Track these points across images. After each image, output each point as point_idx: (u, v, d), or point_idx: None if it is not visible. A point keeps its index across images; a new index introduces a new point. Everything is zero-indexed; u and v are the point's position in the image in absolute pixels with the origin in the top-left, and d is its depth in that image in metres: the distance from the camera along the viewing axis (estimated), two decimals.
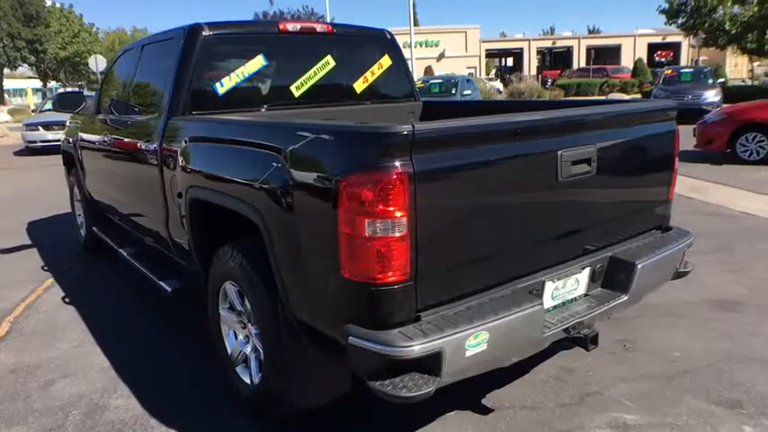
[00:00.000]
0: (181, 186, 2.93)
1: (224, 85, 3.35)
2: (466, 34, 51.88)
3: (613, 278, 2.53)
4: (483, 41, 52.82)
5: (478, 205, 2.00)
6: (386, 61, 4.07)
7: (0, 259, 5.58)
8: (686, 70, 18.64)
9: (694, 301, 3.85)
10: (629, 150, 2.55)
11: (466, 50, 51.20)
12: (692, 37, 27.18)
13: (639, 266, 2.48)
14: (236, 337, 2.82)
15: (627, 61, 48.96)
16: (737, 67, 49.71)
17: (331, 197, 1.86)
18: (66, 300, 4.39)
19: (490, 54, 57.51)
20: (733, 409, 2.65)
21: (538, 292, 2.24)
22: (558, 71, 47.19)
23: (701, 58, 48.19)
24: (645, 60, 41.51)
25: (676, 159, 2.84)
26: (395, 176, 1.77)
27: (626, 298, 2.49)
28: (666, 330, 3.44)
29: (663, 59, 50.73)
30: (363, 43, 4.04)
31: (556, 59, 56.95)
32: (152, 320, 3.97)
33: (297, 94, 3.65)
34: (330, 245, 1.89)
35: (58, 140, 6.66)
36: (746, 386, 2.82)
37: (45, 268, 5.20)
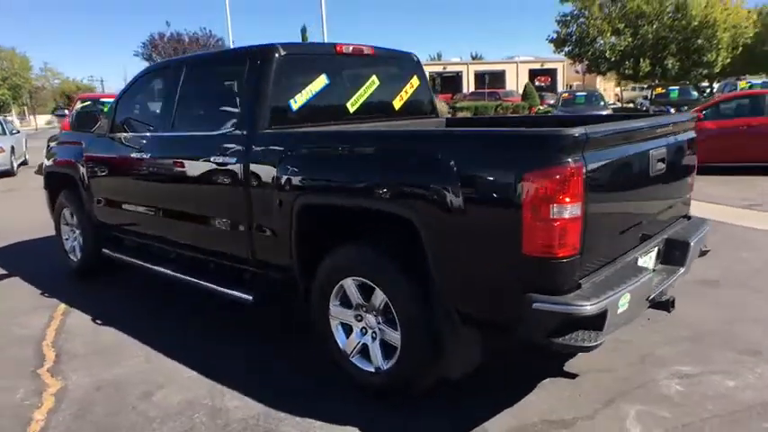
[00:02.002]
0: (284, 196, 3.13)
1: (297, 102, 3.60)
2: None
3: (671, 255, 3.12)
4: None
5: (614, 194, 2.50)
6: (415, 81, 4.49)
7: None
8: (580, 94, 20.73)
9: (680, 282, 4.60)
10: (678, 152, 3.17)
11: None
12: (577, 63, 30.15)
13: (692, 244, 3.10)
14: (351, 330, 3.07)
15: (510, 85, 52.98)
16: (606, 91, 55.43)
17: (515, 189, 2.25)
18: (98, 321, 4.30)
19: None
20: (755, 356, 3.33)
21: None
22: (450, 95, 49.86)
23: (574, 84, 53.19)
24: (524, 84, 45.05)
25: (696, 159, 3.52)
26: (573, 170, 2.21)
27: (683, 270, 3.08)
28: None
29: (542, 84, 55.17)
30: (398, 65, 4.43)
31: (446, 84, 60.00)
32: (203, 327, 4.09)
33: (352, 110, 3.96)
34: (511, 229, 2.27)
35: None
36: (757, 339, 3.54)
37: (46, 295, 4.98)
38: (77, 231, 5.37)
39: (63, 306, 4.67)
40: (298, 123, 3.57)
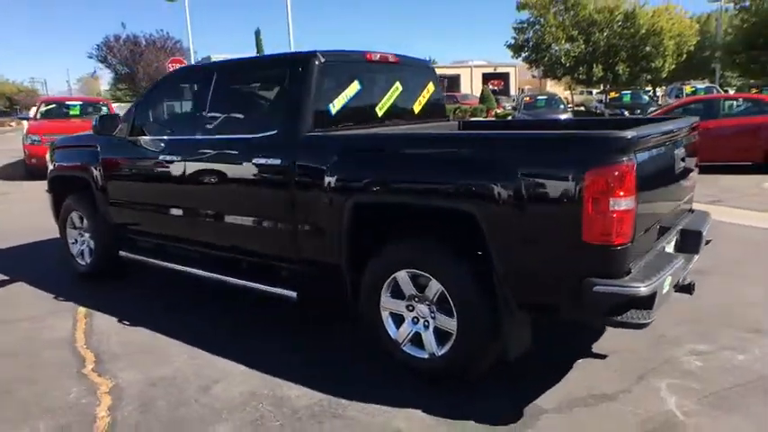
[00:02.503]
0: (335, 195, 3.31)
1: (335, 106, 3.78)
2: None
3: (686, 243, 3.47)
4: None
5: (652, 189, 2.80)
6: (431, 87, 4.74)
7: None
8: (541, 97, 21.54)
9: None
10: (691, 152, 3.53)
11: None
12: (534, 68, 31.19)
13: (704, 233, 3.46)
14: (401, 320, 3.27)
15: (465, 89, 53.99)
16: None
17: (577, 185, 2.52)
18: (125, 322, 4.34)
19: None
20: (757, 333, 3.72)
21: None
22: None
23: (525, 88, 54.74)
24: (481, 88, 46.11)
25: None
26: (627, 167, 2.49)
27: (697, 257, 3.44)
28: None
29: (495, 88, 56.48)
30: (416, 71, 4.66)
31: None
32: (232, 326, 4.21)
33: (380, 114, 4.17)
34: (572, 220, 2.54)
35: None
36: (755, 319, 3.94)
37: (60, 299, 4.94)
38: (86, 235, 5.35)
39: (82, 309, 4.66)
40: (335, 126, 3.76)
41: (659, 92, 38.21)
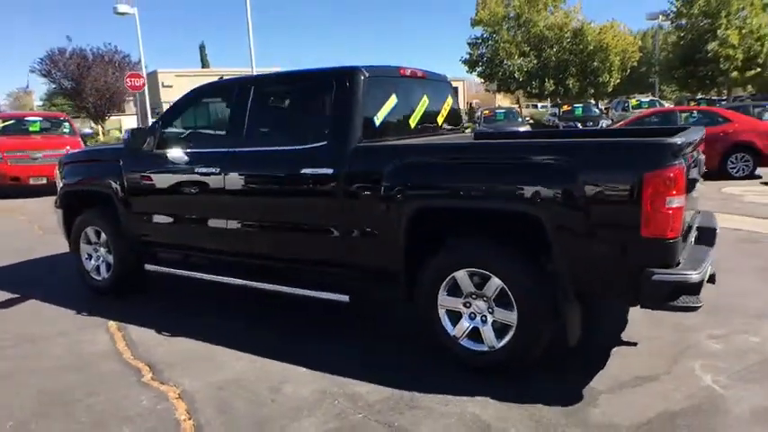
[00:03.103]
0: (393, 202, 3.53)
1: (378, 118, 4.02)
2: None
3: (703, 238, 3.86)
4: None
5: (689, 191, 3.16)
6: (450, 100, 5.04)
7: (15, 313, 5.08)
8: (500, 111, 22.38)
9: None
10: (701, 157, 3.96)
11: None
12: (488, 83, 32.24)
13: (718, 230, 3.88)
14: (457, 317, 3.51)
15: None
16: None
17: (636, 186, 2.85)
18: (165, 333, 4.39)
19: None
20: (761, 319, 4.16)
21: None
22: None
23: (473, 101, 56.20)
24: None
25: None
26: (679, 170, 2.84)
27: (714, 249, 3.84)
28: None
29: None
30: (438, 86, 4.95)
31: None
32: (273, 329, 4.33)
33: (412, 125, 4.43)
34: (632, 217, 2.86)
35: None
36: (756, 306, 4.40)
37: (83, 314, 4.92)
38: (103, 250, 5.34)
39: (112, 323, 4.67)
40: (379, 137, 3.99)
41: (601, 105, 40.22)
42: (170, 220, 4.76)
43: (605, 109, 28.94)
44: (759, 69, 27.85)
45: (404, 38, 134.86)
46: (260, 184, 4.17)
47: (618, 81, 30.35)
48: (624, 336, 3.97)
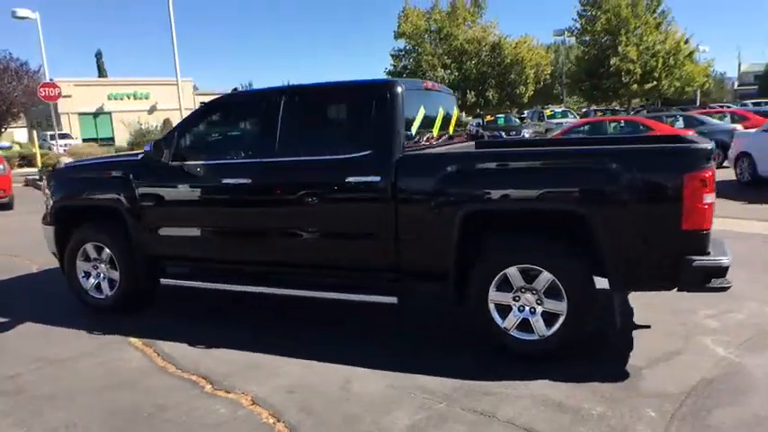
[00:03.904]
0: (444, 206, 3.79)
1: (413, 128, 4.29)
2: (178, 87, 51.59)
3: None
4: (198, 94, 53.04)
5: None
6: (456, 111, 5.39)
7: (21, 336, 4.81)
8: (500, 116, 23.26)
9: None
10: None
11: (180, 103, 50.99)
12: None
13: None
14: (506, 310, 3.82)
15: None
16: None
17: (678, 185, 3.30)
18: (200, 346, 4.34)
19: None
20: (741, 300, 4.76)
21: None
22: None
23: None
24: None
25: None
26: (712, 171, 3.34)
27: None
28: None
29: None
30: (447, 98, 5.27)
31: None
32: (307, 332, 4.45)
33: (435, 134, 4.72)
34: (673, 213, 3.31)
35: None
36: (733, 291, 5.05)
37: (96, 332, 4.74)
38: (103, 266, 5.17)
39: (134, 339, 4.56)
40: (412, 146, 4.24)
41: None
42: (192, 232, 4.72)
43: (521, 119, 30.77)
44: (655, 83, 30.77)
45: (324, 49, 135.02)
46: (299, 192, 4.26)
47: (532, 92, 32.37)
48: (636, 320, 4.45)
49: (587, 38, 32.69)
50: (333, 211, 4.22)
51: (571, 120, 25.55)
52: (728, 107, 27.38)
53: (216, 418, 3.28)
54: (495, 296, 3.83)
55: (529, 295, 3.77)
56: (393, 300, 4.05)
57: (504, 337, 3.84)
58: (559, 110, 30.60)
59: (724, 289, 3.41)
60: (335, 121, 4.50)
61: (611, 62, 30.24)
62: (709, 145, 3.41)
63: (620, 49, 30.06)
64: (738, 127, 13.99)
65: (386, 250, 4.05)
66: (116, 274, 5.11)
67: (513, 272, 3.76)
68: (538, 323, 3.76)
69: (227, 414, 3.32)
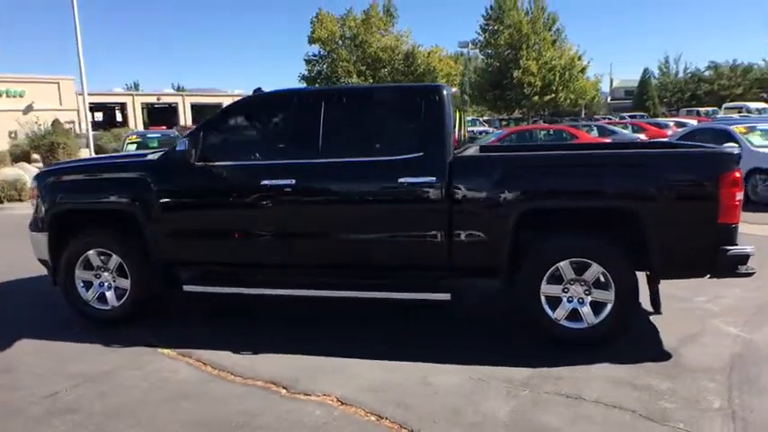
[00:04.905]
0: (501, 205, 4.02)
1: (455, 130, 4.47)
2: (59, 85, 47.72)
3: None
4: (81, 94, 49.29)
5: None
6: (464, 116, 5.65)
7: (43, 352, 4.38)
8: None
9: None
10: None
11: (60, 103, 47.11)
12: None
13: None
14: (556, 302, 4.11)
15: None
16: None
17: (715, 185, 3.77)
18: (245, 352, 4.22)
19: (95, 107, 53.80)
20: (728, 286, 5.41)
21: None
22: (165, 126, 47.76)
23: None
24: None
25: None
26: (740, 171, 3.85)
27: None
28: None
29: None
30: (460, 102, 5.51)
31: (159, 115, 56.45)
32: (373, 330, 4.46)
33: (457, 135, 4.94)
34: (711, 209, 3.78)
35: None
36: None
37: (115, 346, 4.43)
38: (107, 275, 4.83)
39: (167, 350, 4.33)
40: (457, 148, 4.44)
41: None
42: (227, 235, 4.55)
43: None
44: (553, 95, 33.26)
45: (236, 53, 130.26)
46: (349, 193, 4.29)
47: None
48: (646, 311, 4.93)
49: (491, 50, 34.63)
50: (383, 212, 4.29)
51: (479, 128, 26.99)
52: (624, 118, 30.17)
53: (314, 419, 3.25)
54: (546, 289, 4.10)
55: (577, 287, 4.08)
56: (446, 296, 4.19)
57: (555, 327, 4.12)
58: (470, 118, 32.14)
59: (750, 274, 3.93)
60: (381, 122, 4.55)
61: (514, 75, 32.27)
62: (737, 150, 3.93)
63: (521, 62, 32.15)
64: (642, 137, 15.57)
65: (438, 248, 4.19)
66: (125, 283, 4.79)
67: (564, 265, 4.05)
68: (587, 312, 4.08)
69: (323, 415, 3.30)
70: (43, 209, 4.92)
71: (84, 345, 4.48)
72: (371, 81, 30.46)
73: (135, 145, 16.35)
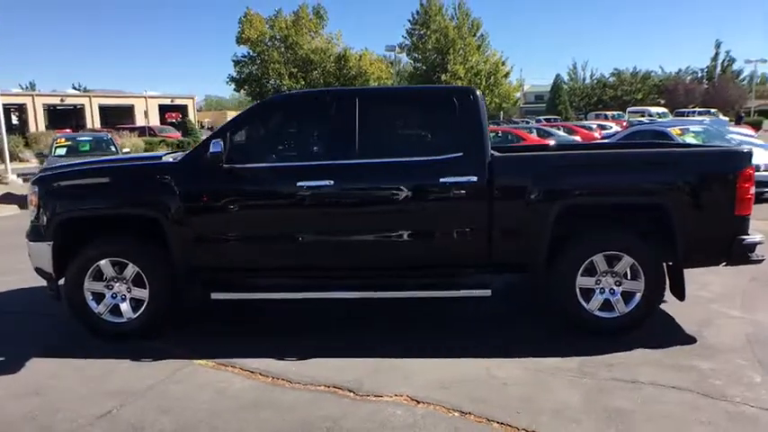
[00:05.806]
0: (541, 203, 4.20)
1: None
2: None
3: None
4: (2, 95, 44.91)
5: None
6: None
7: (74, 372, 4.03)
8: None
9: None
10: None
11: None
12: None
13: None
14: (591, 293, 4.35)
15: (139, 121, 50.27)
16: None
17: (733, 180, 4.15)
18: (290, 358, 4.12)
19: None
20: (712, 273, 5.92)
21: None
22: (71, 129, 44.82)
23: (204, 121, 54.87)
24: (158, 120, 44.10)
25: None
26: (754, 168, 4.26)
27: None
28: None
29: (174, 120, 55.05)
30: None
31: (63, 117, 52.73)
32: (410, 328, 4.51)
33: None
34: (729, 201, 4.16)
35: None
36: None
37: (145, 360, 4.18)
38: (120, 285, 4.53)
39: (204, 361, 4.14)
40: None
41: None
42: (262, 239, 4.42)
43: None
44: None
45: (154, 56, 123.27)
46: (390, 193, 4.31)
47: None
48: None
49: (418, 54, 35.37)
50: (425, 211, 4.34)
51: None
52: (540, 121, 31.81)
53: (400, 420, 3.26)
54: (581, 281, 4.33)
55: (609, 278, 4.34)
56: (487, 292, 4.32)
57: (589, 317, 4.35)
58: None
59: (759, 261, 4.35)
60: (417, 123, 4.60)
61: (442, 78, 33.14)
62: (747, 148, 4.35)
63: (449, 66, 33.10)
64: (577, 138, 16.54)
65: (479, 246, 4.31)
66: (144, 293, 4.52)
67: (599, 258, 4.30)
68: (618, 302, 4.35)
69: (406, 415, 3.31)
70: (46, 216, 4.54)
71: (107, 360, 4.19)
72: (303, 83, 30.17)
73: (65, 149, 15.31)
